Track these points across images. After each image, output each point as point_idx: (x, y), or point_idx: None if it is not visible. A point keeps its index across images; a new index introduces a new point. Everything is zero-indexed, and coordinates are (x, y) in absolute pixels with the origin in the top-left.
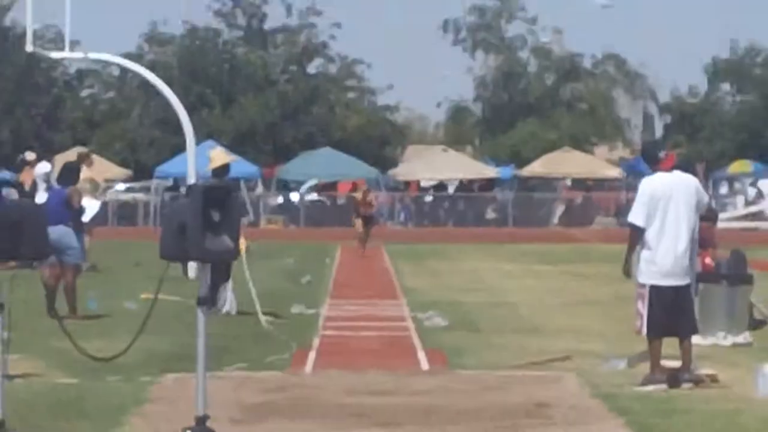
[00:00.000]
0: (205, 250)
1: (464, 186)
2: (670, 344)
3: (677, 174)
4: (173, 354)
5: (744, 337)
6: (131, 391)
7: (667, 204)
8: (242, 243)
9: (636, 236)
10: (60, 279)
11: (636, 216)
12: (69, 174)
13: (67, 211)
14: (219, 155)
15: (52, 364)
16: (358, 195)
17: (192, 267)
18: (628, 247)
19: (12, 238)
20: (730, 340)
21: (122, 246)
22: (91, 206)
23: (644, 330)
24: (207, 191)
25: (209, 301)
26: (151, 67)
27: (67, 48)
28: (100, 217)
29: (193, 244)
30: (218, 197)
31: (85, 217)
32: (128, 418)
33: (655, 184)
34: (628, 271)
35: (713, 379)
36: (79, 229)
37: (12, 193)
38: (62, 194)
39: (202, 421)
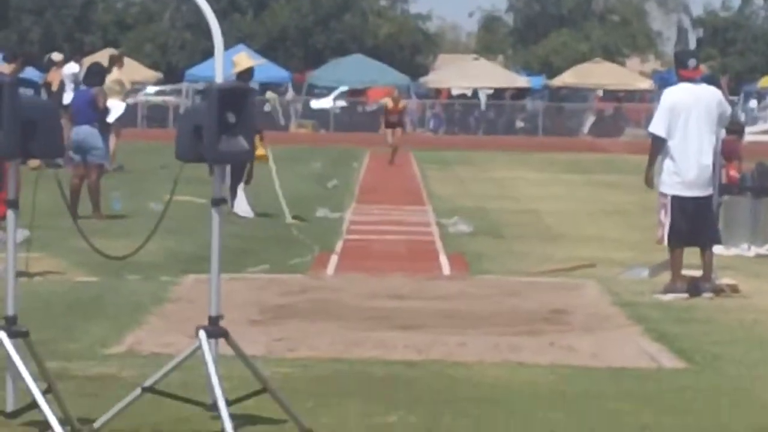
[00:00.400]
0: (220, 152)
1: (495, 95)
2: (692, 254)
3: (701, 86)
4: (195, 255)
5: (767, 248)
6: (151, 290)
7: (688, 115)
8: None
9: (657, 146)
10: (84, 179)
11: (657, 126)
12: (95, 75)
13: (93, 111)
14: (243, 59)
15: (73, 263)
16: (389, 102)
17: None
18: (649, 157)
19: (25, 137)
20: (753, 251)
21: (151, 148)
22: (116, 107)
23: (666, 239)
24: (223, 93)
25: (223, 201)
26: None
27: None
28: (128, 119)
29: (208, 146)
30: (234, 99)
31: (110, 118)
32: (146, 317)
33: (678, 95)
34: (649, 181)
35: (734, 289)
36: (104, 130)
37: (27, 92)
38: (88, 95)
39: (215, 320)
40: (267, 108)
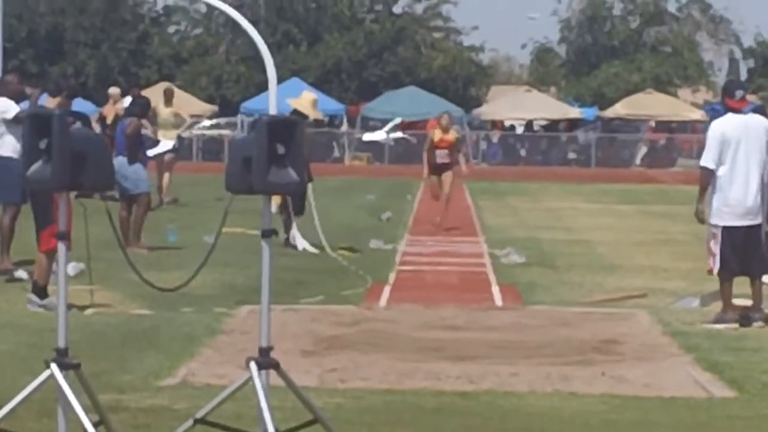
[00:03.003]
0: (269, 183)
1: (548, 126)
2: (741, 284)
3: (749, 116)
4: (248, 286)
5: None
6: (205, 322)
7: (738, 146)
8: None
9: (707, 179)
10: (130, 211)
11: (707, 159)
12: (136, 106)
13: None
14: (308, 101)
15: (128, 296)
16: (435, 133)
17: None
18: (700, 190)
19: (75, 169)
20: None
21: (206, 180)
22: (164, 143)
23: (716, 269)
24: (272, 124)
25: (273, 233)
26: (238, 5)
27: None
28: (183, 152)
29: (257, 177)
30: (284, 131)
31: (152, 152)
32: (199, 349)
33: (726, 126)
34: (700, 216)
35: None
36: (134, 158)
37: (78, 125)
38: (124, 126)
39: (266, 351)
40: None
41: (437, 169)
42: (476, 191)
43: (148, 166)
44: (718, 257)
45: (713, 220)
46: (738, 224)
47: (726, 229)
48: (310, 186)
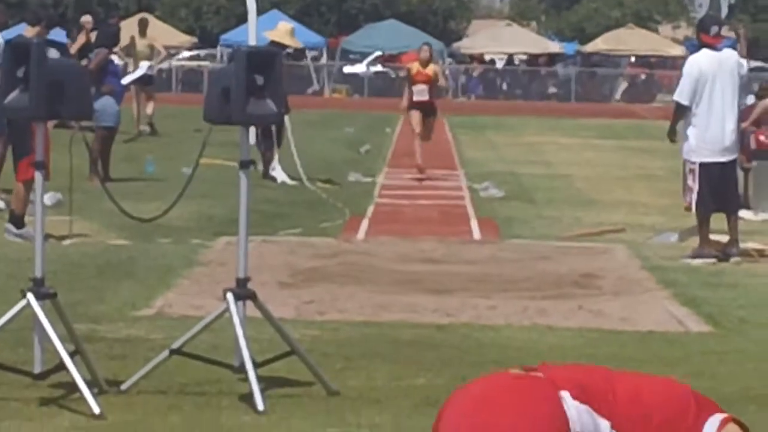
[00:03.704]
0: (248, 114)
1: (528, 61)
2: (719, 220)
3: (724, 51)
4: (227, 218)
5: None
6: (182, 253)
7: (713, 82)
8: None
9: (680, 113)
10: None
11: (681, 94)
12: (105, 36)
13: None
14: (284, 31)
15: (105, 226)
16: (413, 66)
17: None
18: (671, 122)
19: (53, 98)
20: None
21: (185, 112)
22: (138, 70)
23: (694, 206)
24: (251, 56)
25: (250, 164)
26: None
27: None
28: (162, 83)
29: (236, 108)
30: (263, 62)
31: (125, 80)
32: (176, 280)
33: (701, 63)
34: (672, 136)
35: (762, 253)
36: (99, 90)
37: (53, 53)
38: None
39: (243, 282)
40: None
41: (417, 107)
42: (456, 125)
43: (126, 97)
44: (695, 194)
45: (691, 157)
46: (715, 160)
47: (703, 166)
48: (287, 118)
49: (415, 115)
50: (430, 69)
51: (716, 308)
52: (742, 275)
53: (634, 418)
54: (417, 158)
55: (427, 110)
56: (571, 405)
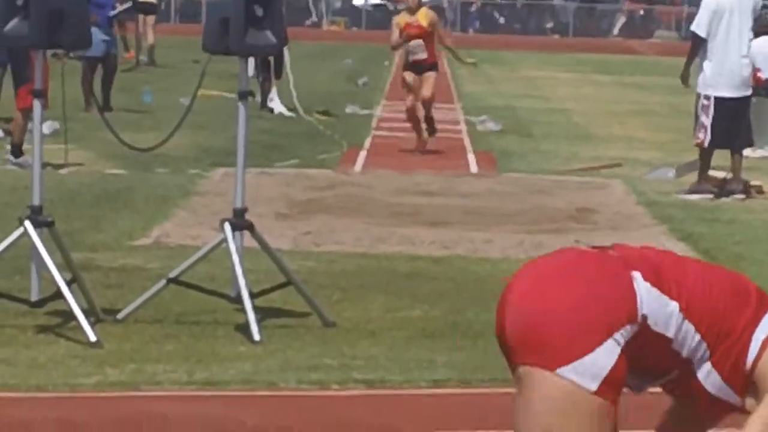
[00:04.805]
0: (246, 45)
1: None
2: (717, 155)
3: None
4: (224, 149)
5: None
6: (179, 183)
7: (731, 15)
8: None
9: (696, 46)
10: (105, 71)
11: (698, 25)
12: None
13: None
14: None
15: (102, 156)
16: (399, 19)
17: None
18: (688, 56)
19: (53, 26)
20: None
21: (184, 43)
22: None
23: (707, 141)
24: None
25: (249, 94)
26: None
27: None
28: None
29: (234, 38)
30: None
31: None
32: (174, 210)
33: None
34: (685, 79)
35: (759, 190)
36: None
37: None
38: None
39: (240, 213)
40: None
41: (414, 68)
42: (453, 59)
43: (117, 30)
44: (709, 129)
45: (706, 91)
46: (731, 95)
47: (719, 100)
48: (285, 50)
49: (409, 77)
50: (423, 17)
51: (713, 244)
52: (739, 211)
53: (702, 304)
54: (421, 133)
55: (426, 69)
56: (641, 286)
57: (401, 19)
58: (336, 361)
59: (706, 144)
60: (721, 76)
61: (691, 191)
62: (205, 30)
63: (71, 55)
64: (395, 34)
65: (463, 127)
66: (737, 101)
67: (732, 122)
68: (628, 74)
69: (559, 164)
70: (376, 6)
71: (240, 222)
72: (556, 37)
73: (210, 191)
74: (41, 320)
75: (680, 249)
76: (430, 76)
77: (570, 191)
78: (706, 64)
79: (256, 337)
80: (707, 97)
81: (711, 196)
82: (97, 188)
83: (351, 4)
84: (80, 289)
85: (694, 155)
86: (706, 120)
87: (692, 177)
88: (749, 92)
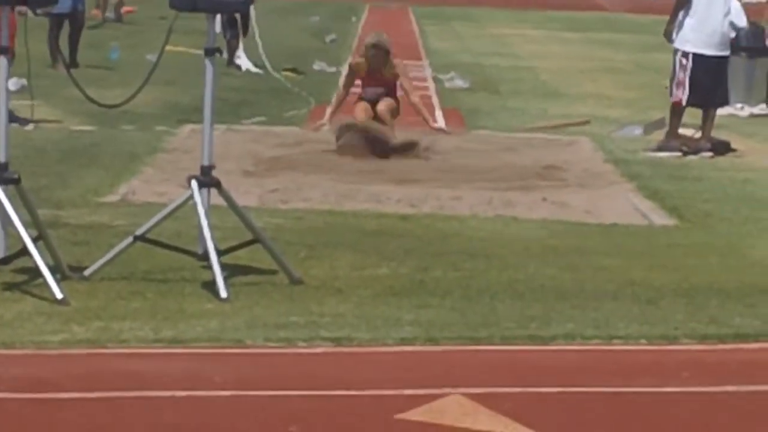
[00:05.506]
0: (214, 1)
1: None
2: (687, 113)
3: None
4: (191, 106)
5: (761, 108)
6: (146, 140)
7: None
8: None
9: (682, 1)
10: (72, 28)
11: None
12: None
13: None
14: None
15: (69, 112)
16: (359, 64)
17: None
18: (673, 11)
19: None
20: (747, 111)
21: None
22: None
23: (685, 99)
24: None
25: (217, 51)
26: None
27: None
28: None
29: None
30: None
31: None
32: (140, 167)
33: None
34: (669, 34)
35: (727, 148)
36: None
37: None
38: None
39: (207, 170)
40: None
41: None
42: (421, 15)
43: None
44: (686, 88)
45: (685, 47)
46: (710, 53)
47: (698, 57)
48: (252, 6)
49: (361, 107)
50: (389, 72)
51: (681, 201)
52: (708, 169)
53: None
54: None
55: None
56: None
57: (360, 65)
58: (303, 318)
59: (684, 103)
60: (702, 33)
61: (659, 149)
62: None
63: (38, 12)
64: (345, 78)
65: (431, 83)
66: (718, 60)
67: (710, 80)
68: (596, 31)
69: (527, 122)
70: None
71: (207, 179)
72: None
73: (177, 148)
74: (7, 277)
75: (648, 206)
76: (389, 102)
77: (538, 149)
78: (688, 21)
79: (223, 294)
80: (685, 54)
81: (679, 153)
82: (64, 145)
83: None
84: (46, 246)
85: (662, 113)
86: (684, 78)
87: (660, 135)
88: (728, 52)
